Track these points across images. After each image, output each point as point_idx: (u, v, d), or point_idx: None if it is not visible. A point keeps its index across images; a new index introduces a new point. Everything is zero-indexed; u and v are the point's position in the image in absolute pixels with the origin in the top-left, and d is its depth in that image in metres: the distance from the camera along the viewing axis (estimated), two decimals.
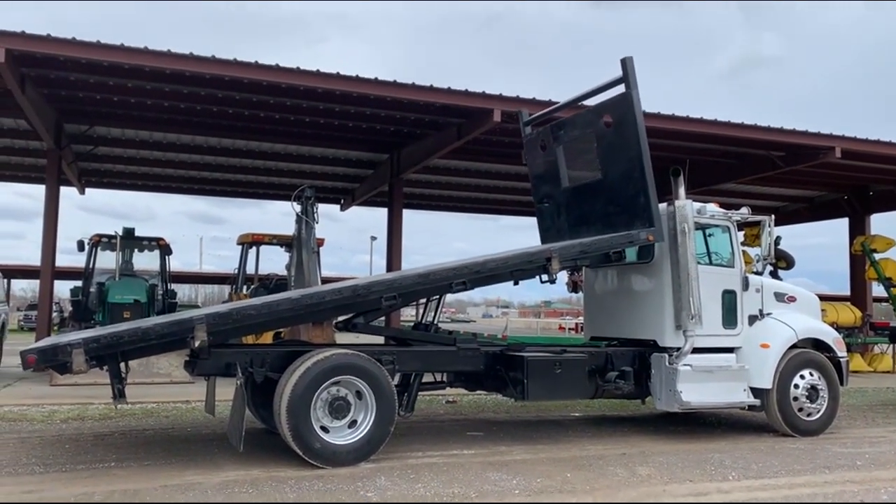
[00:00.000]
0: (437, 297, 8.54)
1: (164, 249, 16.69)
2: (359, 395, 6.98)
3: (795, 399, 8.80)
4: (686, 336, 8.41)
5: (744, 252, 9.99)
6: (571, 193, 9.49)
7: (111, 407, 9.10)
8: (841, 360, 9.30)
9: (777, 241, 16.33)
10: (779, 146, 16.09)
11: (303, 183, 13.99)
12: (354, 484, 6.09)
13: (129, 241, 16.42)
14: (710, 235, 9.28)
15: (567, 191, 9.54)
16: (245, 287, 15.95)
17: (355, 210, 23.21)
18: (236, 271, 16.32)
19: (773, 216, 9.36)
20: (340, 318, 8.13)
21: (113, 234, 15.94)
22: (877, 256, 19.66)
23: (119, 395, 6.57)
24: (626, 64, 8.18)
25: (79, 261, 16.68)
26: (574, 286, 25.51)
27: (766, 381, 8.69)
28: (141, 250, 16.99)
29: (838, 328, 14.35)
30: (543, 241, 10.00)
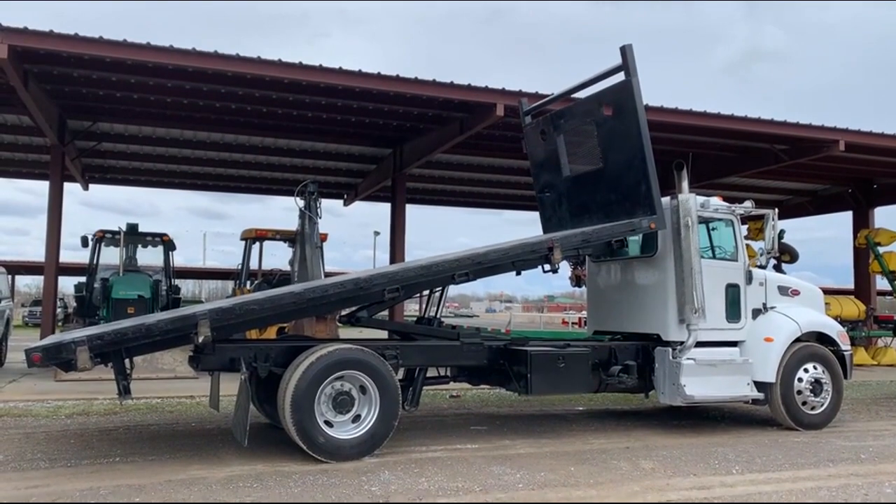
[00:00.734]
0: (440, 290, 8.54)
1: (168, 245, 16.72)
2: (362, 389, 6.99)
3: (799, 393, 8.79)
4: (689, 330, 8.41)
5: (747, 246, 9.97)
6: (572, 182, 9.47)
7: (116, 402, 9.13)
8: (845, 353, 9.28)
9: (781, 234, 16.36)
10: (782, 139, 16.05)
11: (306, 178, 13.96)
12: (358, 478, 6.10)
13: (133, 236, 16.45)
14: (713, 229, 9.27)
15: (568, 180, 9.52)
16: (249, 282, 15.98)
17: (358, 205, 23.24)
18: (240, 267, 16.35)
19: (776, 210, 9.33)
20: (344, 312, 8.14)
21: (116, 229, 15.97)
22: (881, 249, 19.64)
23: (124, 391, 6.58)
24: (626, 51, 8.14)
25: (82, 257, 16.71)
26: (577, 280, 25.51)
27: (770, 375, 8.68)
28: (144, 246, 17.03)
29: (842, 322, 14.33)
30: (545, 230, 9.99)
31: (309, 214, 12.66)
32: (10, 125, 16.07)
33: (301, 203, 12.76)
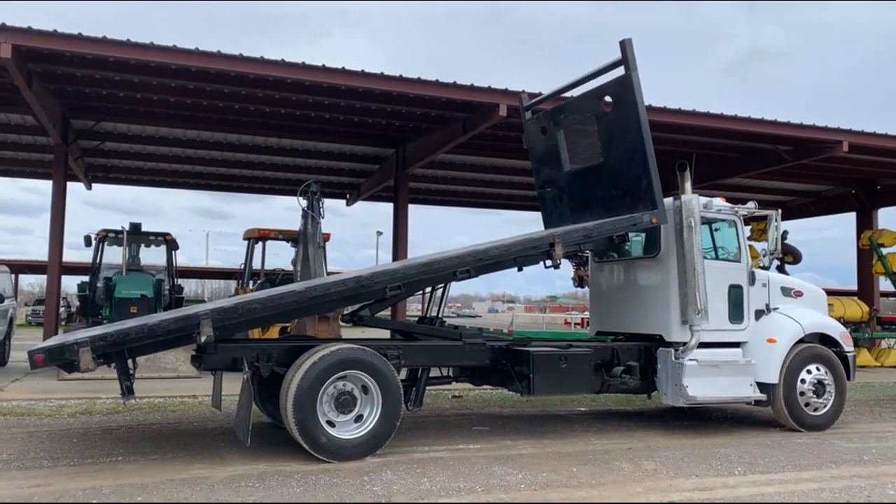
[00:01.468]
0: (442, 289, 8.53)
1: (171, 244, 16.74)
2: (365, 389, 6.99)
3: (802, 394, 8.78)
4: (692, 331, 8.40)
5: (750, 246, 9.96)
6: (573, 177, 9.45)
7: (118, 401, 9.13)
8: (848, 354, 9.27)
9: (784, 235, 16.34)
10: (785, 140, 16.02)
11: (308, 178, 13.98)
12: (360, 478, 6.10)
13: (136, 236, 16.48)
14: (716, 230, 9.26)
15: (569, 175, 9.51)
16: (251, 282, 15.99)
17: (360, 205, 23.24)
18: (243, 266, 16.37)
19: (779, 210, 9.31)
20: (346, 311, 8.14)
21: (120, 229, 16.00)
22: (884, 251, 19.59)
23: (128, 391, 6.58)
24: (625, 46, 8.12)
25: (86, 256, 16.75)
26: (580, 281, 25.48)
27: (773, 376, 8.67)
28: (147, 245, 17.06)
29: (845, 323, 14.30)
30: (546, 226, 9.97)
31: (312, 214, 12.67)
32: (14, 124, 16.10)
33: (304, 203, 12.77)
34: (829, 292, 11.36)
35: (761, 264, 9.49)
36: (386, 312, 15.58)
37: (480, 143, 16.65)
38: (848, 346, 9.33)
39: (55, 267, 15.48)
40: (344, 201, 23.29)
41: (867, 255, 20.74)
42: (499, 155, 18.33)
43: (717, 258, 9.08)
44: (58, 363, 6.27)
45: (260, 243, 16.50)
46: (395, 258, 18.09)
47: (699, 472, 6.63)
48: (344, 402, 6.86)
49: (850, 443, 8.21)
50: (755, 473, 6.65)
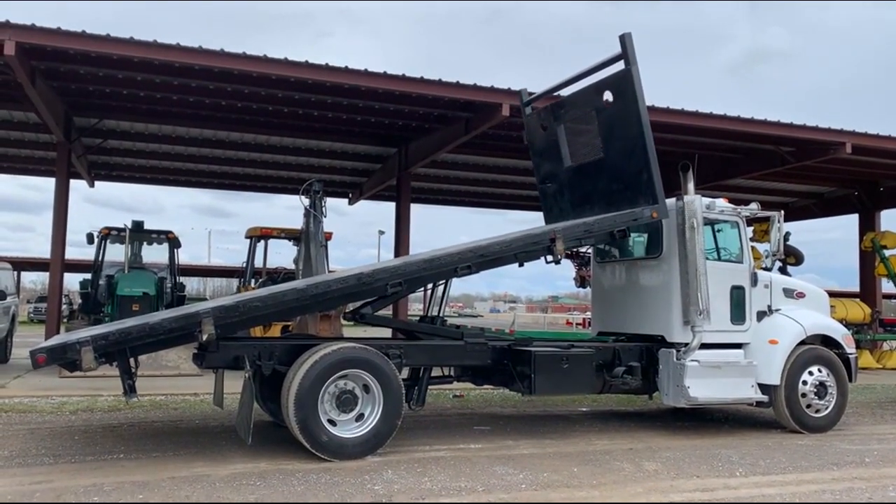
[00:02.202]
0: (443, 288, 8.52)
1: (173, 242, 16.76)
2: (366, 388, 6.99)
3: (804, 395, 8.77)
4: (694, 331, 8.40)
5: (752, 248, 9.95)
6: (574, 173, 9.44)
7: (120, 399, 9.14)
8: (850, 356, 9.26)
9: (786, 236, 16.29)
10: (788, 141, 16.00)
11: (311, 177, 13.99)
12: (361, 477, 6.11)
13: (138, 234, 16.49)
14: (718, 231, 9.25)
15: (569, 170, 9.50)
16: (253, 280, 16.01)
17: (362, 204, 23.26)
18: (245, 265, 16.38)
19: (782, 212, 9.30)
20: (348, 309, 8.14)
21: (122, 227, 16.02)
22: (887, 253, 19.57)
23: (130, 390, 6.59)
24: (625, 40, 8.09)
25: (88, 253, 16.78)
26: (582, 281, 25.44)
27: (775, 378, 8.67)
28: (150, 243, 17.08)
29: (847, 324, 14.26)
30: (547, 221, 9.96)
31: (314, 213, 12.68)
32: (17, 122, 16.13)
33: (306, 201, 12.78)
34: (831, 294, 11.34)
35: (763, 265, 9.48)
36: (388, 311, 15.59)
37: (483, 142, 16.64)
38: (850, 348, 9.33)
39: (57, 264, 15.50)
40: (346, 200, 23.30)
41: (869, 257, 20.72)
42: (501, 155, 18.33)
43: (719, 259, 9.07)
44: (60, 362, 6.28)
45: (262, 242, 16.51)
46: (396, 256, 18.10)
47: (700, 473, 6.63)
48: (345, 401, 6.87)
49: (851, 445, 8.20)
50: (756, 475, 6.65)
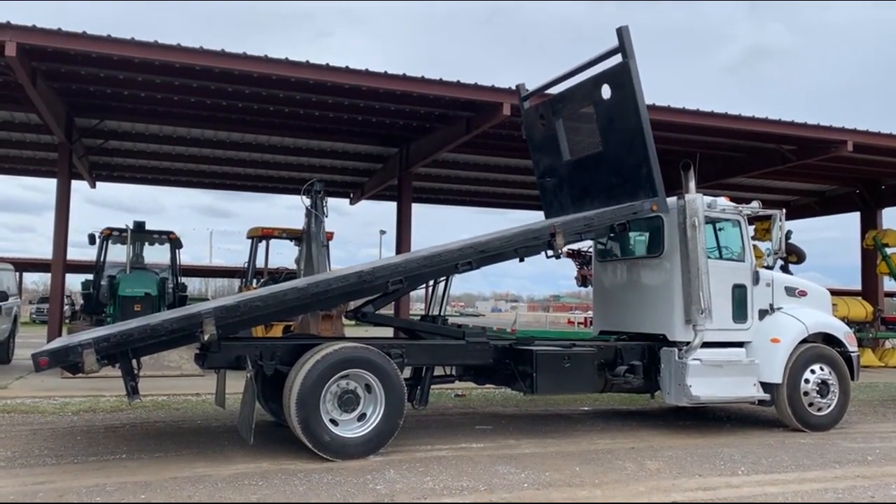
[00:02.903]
0: (444, 286, 8.51)
1: (175, 243, 16.77)
2: (368, 388, 6.99)
3: (806, 394, 8.76)
4: (696, 330, 8.39)
5: (754, 246, 9.95)
6: (573, 167, 9.43)
7: (122, 399, 9.14)
8: (852, 354, 9.25)
9: (788, 235, 16.29)
10: (789, 140, 15.99)
11: (312, 177, 13.99)
12: (363, 476, 6.11)
13: (140, 234, 16.51)
14: (720, 229, 9.24)
15: (568, 164, 9.49)
16: (255, 281, 16.02)
17: (364, 204, 23.24)
18: (246, 265, 16.39)
19: (783, 210, 9.29)
20: (350, 307, 8.13)
21: (124, 227, 16.03)
22: (888, 251, 19.55)
23: (133, 392, 6.58)
24: (622, 33, 8.08)
25: (89, 254, 16.80)
26: (583, 280, 25.43)
27: (777, 376, 8.66)
28: (151, 244, 17.09)
29: (849, 323, 14.25)
30: (547, 216, 9.95)
31: (315, 213, 12.69)
32: (19, 123, 16.14)
33: (307, 202, 12.78)
34: (833, 292, 11.33)
35: (765, 264, 9.48)
36: (389, 310, 15.60)
37: (484, 142, 16.63)
38: (852, 346, 9.32)
39: (59, 265, 15.51)
40: (347, 200, 23.30)
41: (871, 256, 20.70)
42: (502, 154, 18.32)
43: (720, 258, 9.07)
44: (62, 365, 6.28)
45: (263, 242, 16.52)
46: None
47: (702, 472, 6.62)
48: (347, 401, 6.87)
49: (853, 443, 8.19)
50: (758, 473, 6.64)
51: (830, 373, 8.93)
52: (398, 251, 18.32)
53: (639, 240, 9.65)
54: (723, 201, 9.14)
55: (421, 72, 17.10)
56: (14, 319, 15.56)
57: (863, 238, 20.81)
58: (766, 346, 8.79)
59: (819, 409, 8.84)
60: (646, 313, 9.01)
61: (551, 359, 7.99)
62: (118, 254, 16.40)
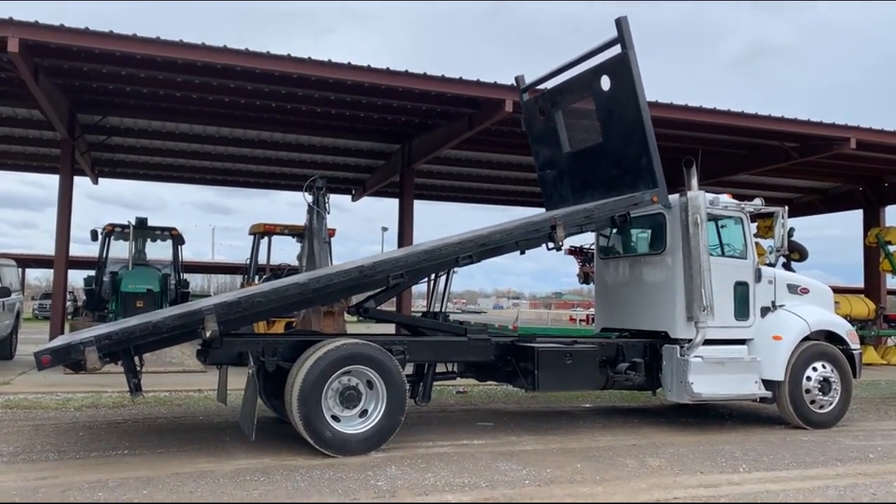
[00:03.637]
0: (445, 282, 8.50)
1: (177, 239, 16.79)
2: (370, 384, 7.00)
3: (807, 391, 8.76)
4: (697, 327, 8.38)
5: (756, 243, 9.93)
6: (573, 158, 9.41)
7: (124, 395, 9.17)
8: (854, 352, 9.24)
9: (790, 232, 16.29)
10: (792, 137, 15.95)
11: (313, 173, 14.00)
12: (365, 473, 6.12)
13: (142, 230, 16.54)
14: (722, 227, 9.23)
15: (568, 156, 9.47)
16: (257, 277, 16.03)
17: (365, 200, 23.22)
18: (248, 261, 16.41)
19: (786, 207, 9.28)
20: (352, 302, 8.12)
21: (126, 223, 16.05)
22: (891, 248, 19.52)
23: (135, 389, 6.59)
24: (621, 24, 8.06)
25: (92, 250, 16.84)
26: (585, 277, 25.40)
27: (778, 373, 8.65)
28: (154, 240, 17.12)
29: (851, 320, 14.26)
30: (548, 208, 9.93)
31: (317, 209, 12.68)
32: (21, 119, 16.14)
33: (309, 198, 12.77)
34: (836, 290, 11.30)
35: (767, 261, 9.46)
36: (391, 306, 15.60)
37: (486, 138, 16.62)
38: (854, 344, 9.30)
39: (62, 261, 15.51)
40: (349, 197, 23.28)
41: (874, 253, 20.68)
42: (505, 151, 18.31)
43: (723, 255, 9.06)
44: (64, 363, 6.29)
45: (265, 238, 16.54)
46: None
47: (704, 469, 6.62)
48: (349, 397, 6.88)
49: (855, 441, 8.19)
50: (760, 471, 6.64)
51: (832, 370, 8.92)
52: (400, 248, 18.32)
53: (641, 237, 9.64)
54: (725, 198, 9.12)
55: (424, 68, 17.05)
56: (17, 315, 15.58)
57: (865, 236, 20.78)
58: (768, 343, 8.78)
59: (821, 407, 8.83)
60: (648, 310, 9.01)
61: (553, 356, 8.00)
62: (120, 250, 16.42)
